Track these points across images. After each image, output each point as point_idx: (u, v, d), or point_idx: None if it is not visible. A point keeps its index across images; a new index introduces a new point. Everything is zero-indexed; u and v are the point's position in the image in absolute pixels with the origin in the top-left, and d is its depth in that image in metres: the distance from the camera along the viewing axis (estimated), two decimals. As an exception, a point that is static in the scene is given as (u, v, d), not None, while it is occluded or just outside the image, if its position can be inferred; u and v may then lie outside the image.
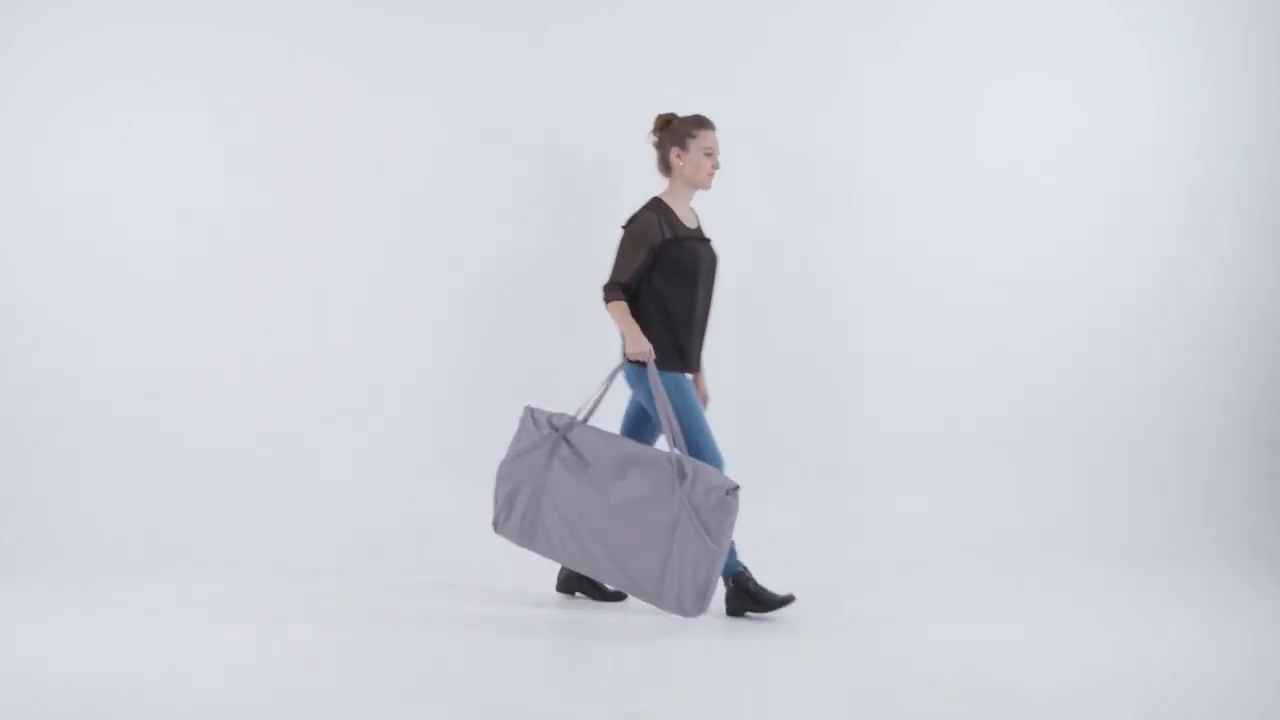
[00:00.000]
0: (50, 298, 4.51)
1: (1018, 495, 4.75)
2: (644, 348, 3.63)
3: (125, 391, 4.52)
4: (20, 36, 4.50)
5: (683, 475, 3.47)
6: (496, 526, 3.80)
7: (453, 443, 4.61)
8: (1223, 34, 4.91)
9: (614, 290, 3.69)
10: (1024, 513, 4.71)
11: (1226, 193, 4.93)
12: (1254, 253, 4.95)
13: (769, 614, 3.62)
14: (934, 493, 4.71)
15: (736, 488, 3.43)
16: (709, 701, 2.91)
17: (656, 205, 3.76)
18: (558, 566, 3.93)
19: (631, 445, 3.61)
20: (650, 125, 3.84)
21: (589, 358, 4.58)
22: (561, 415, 3.72)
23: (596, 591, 3.87)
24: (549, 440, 3.70)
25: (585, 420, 3.71)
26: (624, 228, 3.75)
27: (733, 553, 3.61)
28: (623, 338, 3.66)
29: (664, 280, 3.70)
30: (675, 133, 3.79)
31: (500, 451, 3.78)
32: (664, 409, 3.57)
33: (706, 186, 3.82)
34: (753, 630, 3.50)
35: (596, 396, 3.75)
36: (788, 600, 3.62)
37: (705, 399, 3.89)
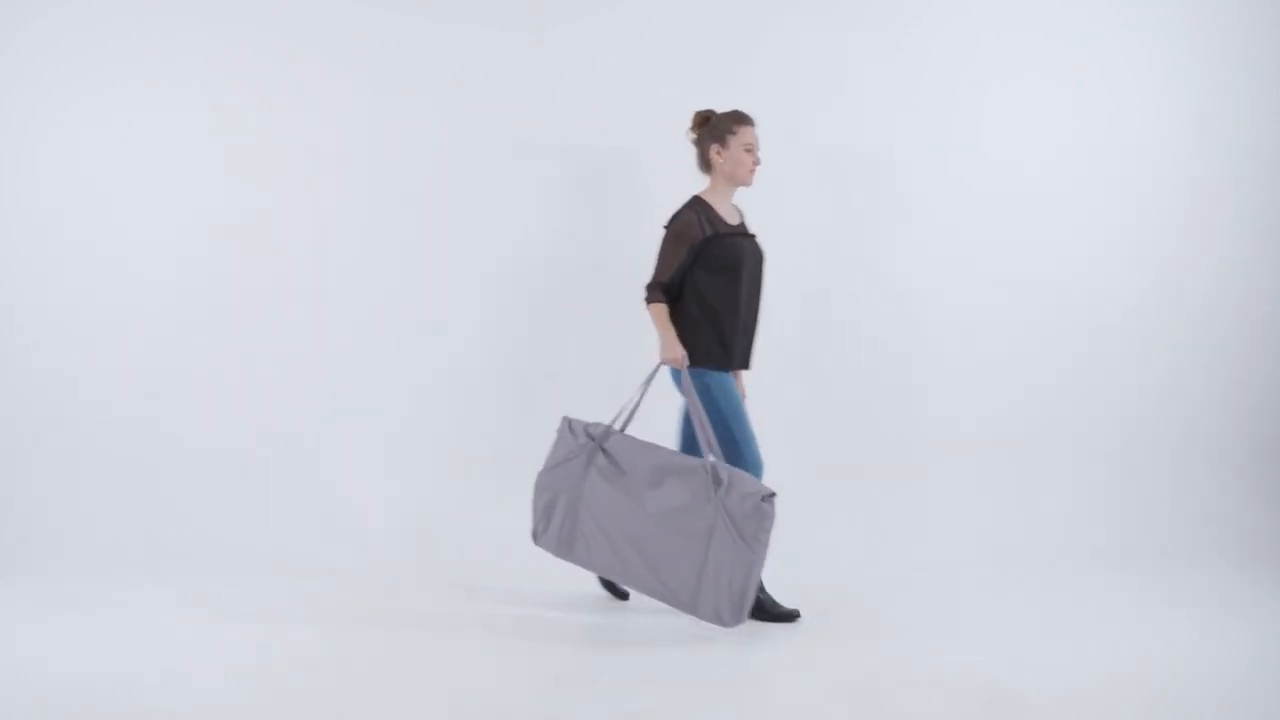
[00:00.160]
0: (50, 298, 4.51)
1: (1017, 495, 4.75)
2: (678, 354, 3.60)
3: (125, 391, 4.52)
4: (20, 36, 4.50)
5: (718, 482, 3.43)
6: (535, 538, 3.76)
7: (453, 442, 4.61)
8: (1223, 34, 4.90)
9: (655, 291, 3.67)
10: (1023, 513, 4.70)
11: (1226, 193, 4.93)
12: (1254, 253, 4.95)
13: (769, 622, 3.62)
14: (934, 493, 4.71)
15: (772, 494, 3.39)
16: (709, 702, 2.91)
17: (696, 203, 3.74)
18: (558, 566, 3.93)
19: (668, 453, 3.58)
20: (690, 124, 3.80)
21: (589, 358, 4.59)
22: (598, 425, 3.68)
23: (614, 589, 3.87)
24: (585, 450, 3.67)
25: (623, 429, 3.69)
26: (665, 227, 3.73)
27: None
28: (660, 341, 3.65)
29: (707, 277, 3.66)
30: (714, 129, 3.76)
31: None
32: (697, 414, 3.54)
33: (748, 183, 3.79)
34: (752, 631, 3.51)
35: (634, 403, 3.71)
36: (791, 616, 3.61)
37: (742, 396, 3.85)
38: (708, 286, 3.66)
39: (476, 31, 4.63)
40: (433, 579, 4.05)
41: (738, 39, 4.69)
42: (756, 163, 3.77)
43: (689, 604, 3.46)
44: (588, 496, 3.64)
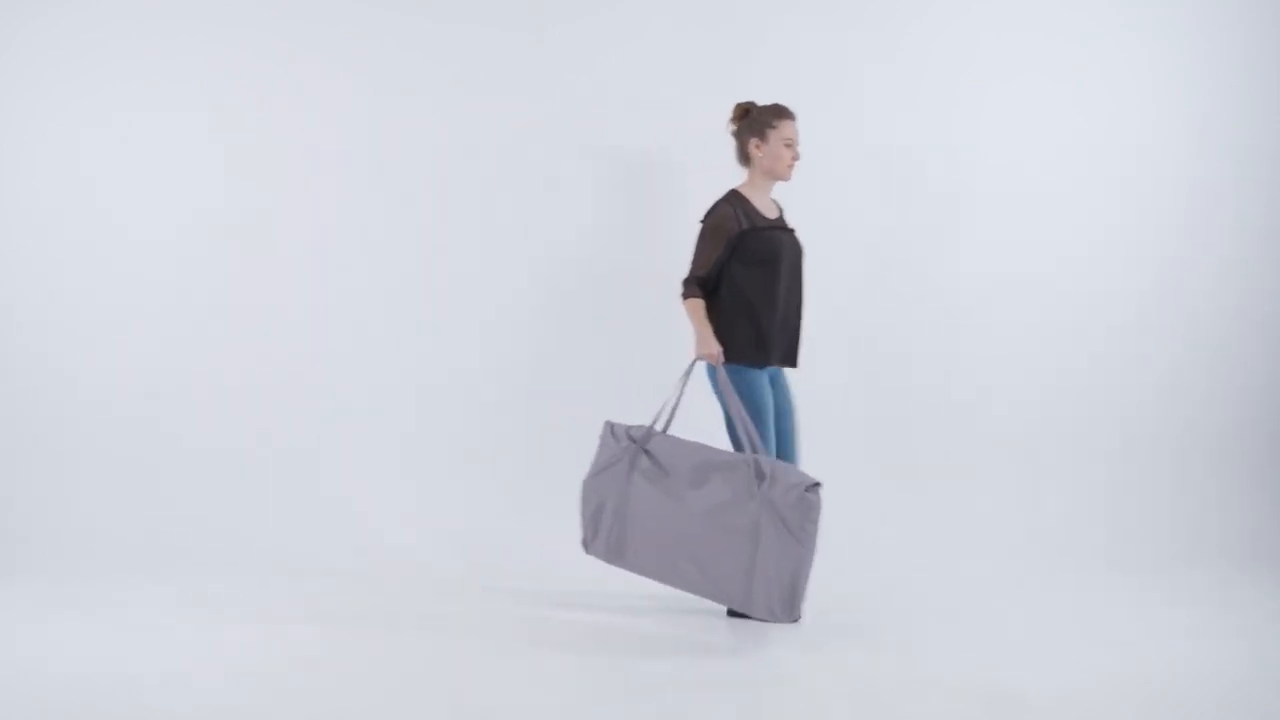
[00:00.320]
0: (50, 298, 4.51)
1: (1017, 495, 4.75)
2: (714, 350, 3.58)
3: (125, 391, 4.52)
4: (20, 36, 4.50)
5: (761, 476, 3.40)
6: (586, 546, 3.72)
7: (453, 443, 4.61)
8: (1223, 34, 4.90)
9: (691, 286, 3.65)
10: (1024, 513, 4.70)
11: (1226, 193, 4.93)
12: (1254, 253, 4.95)
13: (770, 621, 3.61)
14: (933, 492, 4.71)
15: (817, 484, 3.36)
16: (709, 702, 2.91)
17: (733, 197, 3.72)
18: (559, 566, 3.93)
19: (711, 450, 3.55)
20: (729, 116, 3.79)
21: (589, 358, 4.59)
22: (639, 427, 3.65)
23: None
24: (628, 453, 3.63)
25: (665, 429, 3.65)
26: (701, 221, 3.71)
27: None
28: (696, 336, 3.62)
29: (744, 271, 3.63)
30: (754, 123, 3.75)
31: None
32: (735, 409, 3.52)
33: (786, 178, 3.78)
34: (752, 631, 3.50)
35: (673, 401, 3.67)
36: (792, 619, 3.61)
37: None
38: (745, 280, 3.63)
39: (476, 31, 4.63)
40: (433, 580, 4.05)
41: (738, 39, 4.69)
42: (795, 157, 3.76)
43: (742, 602, 3.44)
44: (633, 500, 3.59)
